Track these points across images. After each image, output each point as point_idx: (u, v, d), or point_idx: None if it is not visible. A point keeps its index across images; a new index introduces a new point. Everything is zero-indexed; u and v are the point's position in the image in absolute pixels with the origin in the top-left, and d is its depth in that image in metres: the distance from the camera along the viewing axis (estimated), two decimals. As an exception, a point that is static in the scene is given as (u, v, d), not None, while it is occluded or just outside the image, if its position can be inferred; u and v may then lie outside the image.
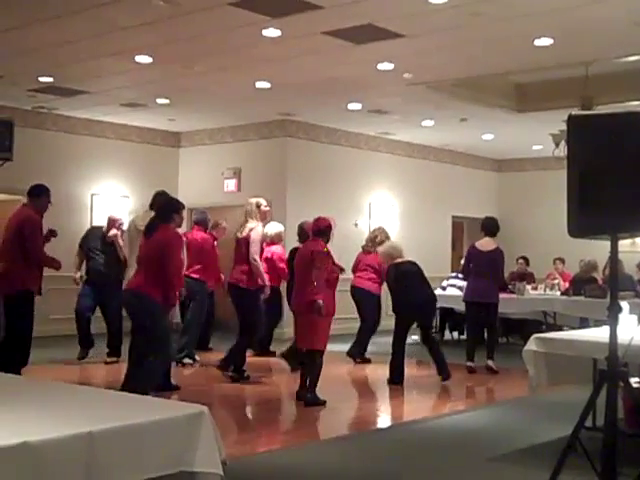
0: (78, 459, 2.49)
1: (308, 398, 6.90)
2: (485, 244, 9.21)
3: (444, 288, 12.21)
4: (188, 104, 11.36)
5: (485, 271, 9.03)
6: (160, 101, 11.11)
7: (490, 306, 9.17)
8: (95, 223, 11.99)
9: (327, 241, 7.03)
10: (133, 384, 6.09)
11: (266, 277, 8.14)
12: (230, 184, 13.00)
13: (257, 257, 7.89)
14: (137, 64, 8.97)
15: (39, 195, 7.60)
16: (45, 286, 7.73)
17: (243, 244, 7.90)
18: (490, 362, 9.04)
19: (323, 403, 6.95)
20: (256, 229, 7.93)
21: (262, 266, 8.04)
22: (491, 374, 8.95)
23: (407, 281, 8.17)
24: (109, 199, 12.63)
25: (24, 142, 11.23)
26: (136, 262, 6.49)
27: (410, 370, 9.75)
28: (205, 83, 9.96)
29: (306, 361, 7.08)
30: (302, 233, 8.97)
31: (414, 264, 8.39)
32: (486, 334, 9.40)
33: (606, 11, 7.12)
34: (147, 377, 6.23)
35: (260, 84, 10.00)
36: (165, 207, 6.52)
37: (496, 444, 5.71)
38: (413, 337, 12.04)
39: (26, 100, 11.08)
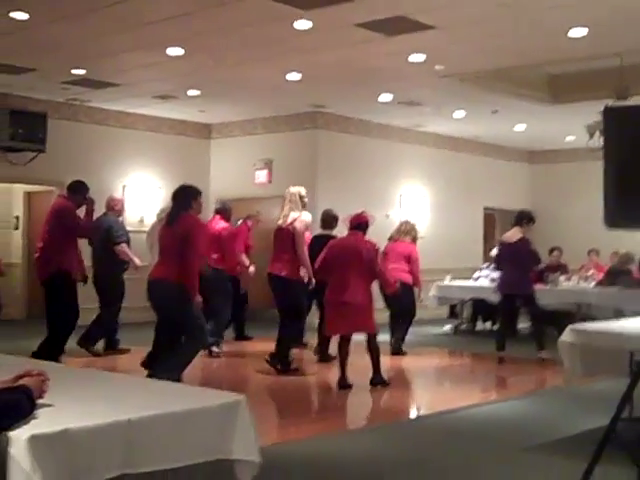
0: (117, 446, 2.52)
1: (377, 379, 7.35)
2: (511, 235, 9.23)
3: (476, 279, 12.18)
4: (219, 96, 11.40)
5: (512, 262, 9.06)
6: (191, 93, 11.15)
7: (522, 297, 9.19)
8: (129, 214, 12.08)
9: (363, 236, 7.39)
10: (163, 372, 6.08)
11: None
12: (261, 176, 13.02)
13: (304, 249, 7.84)
14: (168, 56, 9.02)
15: (74, 191, 8.00)
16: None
17: (285, 234, 7.83)
18: (542, 353, 8.84)
19: (388, 383, 7.38)
20: (299, 219, 7.86)
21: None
22: (544, 365, 8.70)
23: None
24: (141, 191, 12.72)
25: (57, 134, 11.36)
26: (159, 252, 6.49)
27: (442, 360, 9.78)
28: (236, 75, 9.98)
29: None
30: (326, 220, 8.93)
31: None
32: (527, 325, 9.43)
33: (642, -1, 7.03)
34: (176, 365, 6.27)
35: (291, 76, 9.99)
36: (182, 194, 6.50)
37: (531, 434, 5.67)
38: (445, 327, 12.08)
39: (59, 93, 11.19)
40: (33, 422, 2.46)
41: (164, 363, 6.33)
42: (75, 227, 7.83)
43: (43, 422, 2.46)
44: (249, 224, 10.09)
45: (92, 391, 3.06)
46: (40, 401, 2.59)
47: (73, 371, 3.97)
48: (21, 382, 2.60)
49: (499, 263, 9.52)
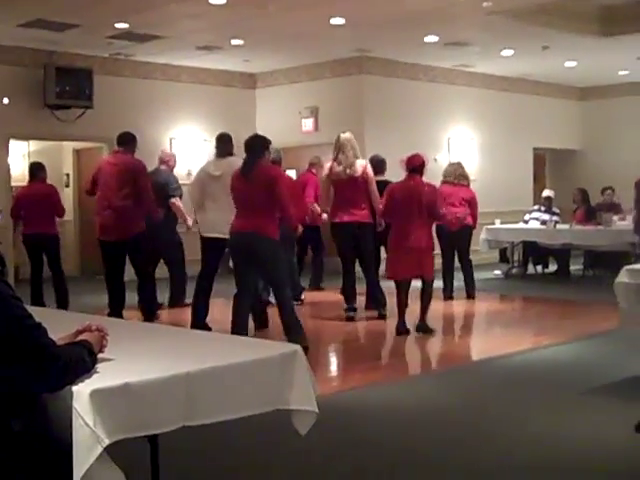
0: (177, 399, 2.54)
1: (423, 326, 7.42)
2: None
3: (526, 222, 12.03)
4: (263, 44, 11.28)
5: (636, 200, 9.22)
6: (235, 42, 11.06)
7: None
8: (176, 167, 12.06)
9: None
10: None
11: None
12: (307, 123, 12.93)
13: (378, 195, 7.93)
14: (211, 6, 8.92)
15: (130, 143, 7.84)
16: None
17: (361, 183, 7.93)
18: None
19: (432, 331, 7.43)
20: (368, 166, 8.08)
21: None
22: (598, 308, 8.51)
23: None
24: (188, 143, 12.74)
25: (103, 90, 11.40)
26: (237, 205, 6.42)
27: (493, 304, 9.74)
28: (279, 22, 9.85)
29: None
30: (377, 165, 8.80)
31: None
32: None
33: None
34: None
35: (335, 20, 9.83)
36: (255, 144, 6.46)
37: (587, 378, 5.64)
38: (496, 272, 12.00)
39: (104, 48, 11.19)
40: (95, 377, 2.49)
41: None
42: (149, 184, 7.73)
43: (104, 376, 2.49)
44: (314, 172, 10.11)
45: (151, 345, 3.08)
46: (100, 356, 2.63)
47: (131, 325, 4.03)
48: (81, 337, 2.63)
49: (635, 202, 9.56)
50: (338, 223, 8.09)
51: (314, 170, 10.26)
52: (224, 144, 7.51)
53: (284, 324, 6.38)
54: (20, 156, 12.25)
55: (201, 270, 7.53)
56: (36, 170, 8.89)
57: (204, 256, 7.51)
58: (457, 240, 9.41)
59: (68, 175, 12.87)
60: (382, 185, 7.98)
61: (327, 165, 8.23)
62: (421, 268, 7.26)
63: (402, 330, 7.34)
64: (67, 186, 12.83)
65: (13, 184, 11.05)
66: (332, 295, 9.34)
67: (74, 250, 12.64)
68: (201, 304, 7.39)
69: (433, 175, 9.77)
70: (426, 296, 7.40)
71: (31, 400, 2.43)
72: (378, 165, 8.82)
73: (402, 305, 7.38)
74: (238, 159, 6.86)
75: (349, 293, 8.20)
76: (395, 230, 7.37)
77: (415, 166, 7.33)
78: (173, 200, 8.76)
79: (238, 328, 6.35)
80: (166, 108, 12.55)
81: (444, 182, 9.57)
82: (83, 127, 11.40)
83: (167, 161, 9.13)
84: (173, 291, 9.06)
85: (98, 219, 7.77)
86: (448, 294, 9.51)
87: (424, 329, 7.39)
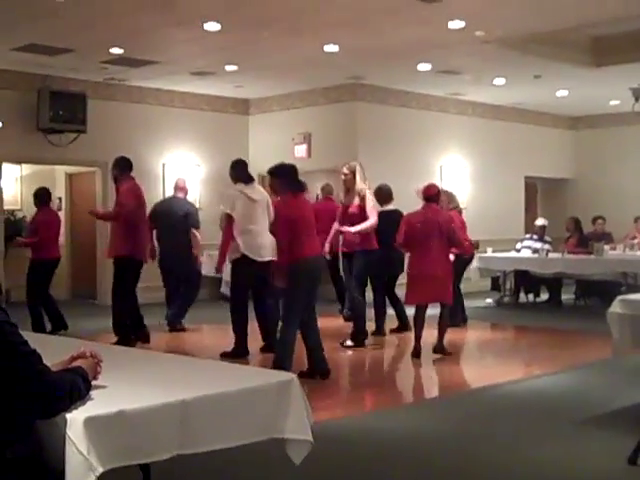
0: (172, 427, 2.53)
1: (440, 347, 7.62)
2: None
3: (518, 250, 12.05)
4: (257, 70, 11.33)
5: None
6: (229, 68, 11.11)
7: None
8: (169, 193, 12.10)
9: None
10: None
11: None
12: (300, 150, 12.95)
13: None
14: (205, 32, 8.97)
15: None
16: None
17: None
18: None
19: (450, 353, 7.62)
20: None
21: None
22: (591, 338, 8.51)
23: None
24: (180, 168, 12.74)
25: (97, 114, 11.41)
26: (303, 230, 6.35)
27: (484, 333, 9.72)
28: (273, 48, 9.90)
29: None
30: (380, 195, 8.83)
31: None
32: None
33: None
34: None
35: (328, 48, 9.89)
36: (294, 172, 6.55)
37: (579, 408, 5.61)
38: (487, 300, 11.99)
39: (98, 72, 11.21)
40: (89, 404, 2.47)
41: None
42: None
43: (98, 404, 2.47)
44: (333, 198, 10.20)
45: (145, 372, 3.07)
46: (94, 382, 2.60)
47: (125, 352, 4.00)
48: (76, 364, 2.61)
49: None
50: (376, 250, 8.18)
51: (331, 196, 10.42)
52: (246, 169, 7.74)
53: (311, 349, 6.47)
54: (12, 179, 12.22)
55: (244, 294, 7.59)
56: (47, 196, 9.00)
57: (249, 279, 7.48)
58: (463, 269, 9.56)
59: (60, 199, 12.83)
60: (396, 214, 8.24)
61: (370, 192, 8.26)
62: (438, 294, 7.47)
63: (418, 354, 7.47)
64: (59, 210, 12.78)
65: (6, 207, 11.01)
66: (326, 321, 9.29)
67: (66, 274, 12.56)
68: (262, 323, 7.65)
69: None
70: (444, 320, 7.61)
71: (25, 427, 2.40)
72: (388, 194, 8.94)
73: (419, 330, 7.53)
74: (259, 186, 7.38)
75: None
76: (415, 259, 7.55)
77: (431, 195, 7.57)
78: (195, 232, 8.98)
79: (321, 361, 6.49)
80: (159, 133, 12.56)
81: (452, 210, 9.59)
82: (76, 151, 11.39)
83: (182, 188, 9.36)
84: (174, 315, 9.01)
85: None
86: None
87: (441, 350, 7.58)
